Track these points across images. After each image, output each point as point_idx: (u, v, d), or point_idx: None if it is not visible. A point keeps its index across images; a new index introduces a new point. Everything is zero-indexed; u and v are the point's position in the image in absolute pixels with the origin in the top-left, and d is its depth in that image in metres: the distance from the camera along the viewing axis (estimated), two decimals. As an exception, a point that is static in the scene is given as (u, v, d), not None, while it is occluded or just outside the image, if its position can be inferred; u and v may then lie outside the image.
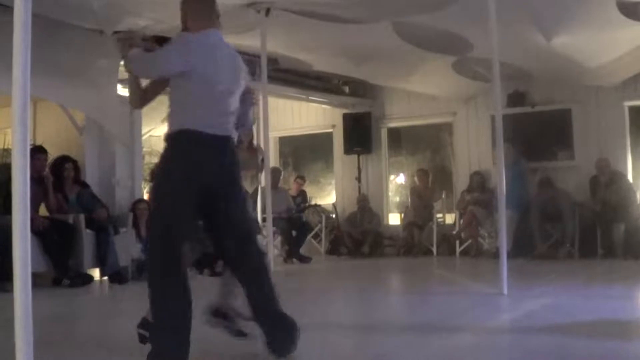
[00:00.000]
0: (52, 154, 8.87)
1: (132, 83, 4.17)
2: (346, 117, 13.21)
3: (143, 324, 4.06)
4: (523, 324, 5.11)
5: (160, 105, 13.88)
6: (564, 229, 10.58)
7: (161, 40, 4.47)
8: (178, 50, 3.91)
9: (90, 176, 9.41)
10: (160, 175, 3.96)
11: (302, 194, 13.00)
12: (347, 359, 4.36)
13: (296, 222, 11.66)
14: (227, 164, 3.93)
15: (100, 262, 8.46)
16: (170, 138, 3.86)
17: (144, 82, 4.23)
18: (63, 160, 8.89)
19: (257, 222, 9.26)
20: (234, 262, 4.04)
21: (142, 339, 4.03)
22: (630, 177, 11.04)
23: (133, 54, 4.01)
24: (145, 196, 10.13)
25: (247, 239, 3.98)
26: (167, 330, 3.65)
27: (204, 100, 3.88)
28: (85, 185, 9.05)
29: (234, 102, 4.04)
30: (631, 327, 4.98)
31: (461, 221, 11.70)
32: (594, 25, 8.17)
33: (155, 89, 4.19)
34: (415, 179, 12.68)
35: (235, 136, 4.12)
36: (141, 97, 4.21)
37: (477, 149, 12.42)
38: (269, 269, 4.10)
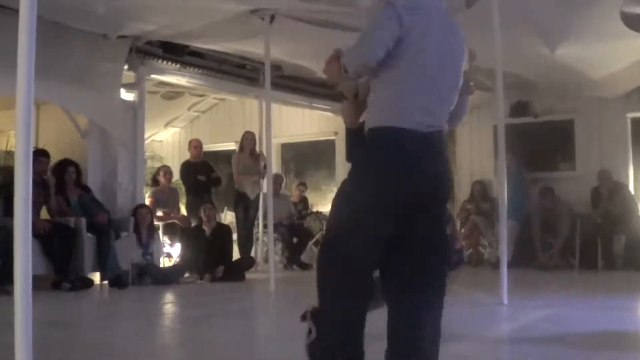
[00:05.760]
0: (55, 157, 8.87)
1: (351, 103, 3.37)
2: (349, 125, 13.14)
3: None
4: (523, 334, 5.10)
5: (165, 109, 13.89)
6: (564, 239, 10.58)
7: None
8: (386, 14, 2.94)
9: (92, 180, 9.40)
10: (356, 184, 3.28)
11: (304, 201, 12.97)
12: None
13: (297, 229, 11.64)
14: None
15: (101, 266, 8.41)
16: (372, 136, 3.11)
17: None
18: (65, 163, 8.88)
19: None
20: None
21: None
22: (631, 189, 11.05)
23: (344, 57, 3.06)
24: (147, 201, 10.13)
25: None
26: None
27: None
28: (86, 189, 9.03)
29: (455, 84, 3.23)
30: (631, 339, 4.97)
31: (462, 230, 11.70)
32: (598, 36, 8.18)
33: (365, 89, 3.24)
34: (417, 187, 12.66)
35: (445, 130, 3.20)
36: (359, 110, 3.37)
37: (479, 159, 12.43)
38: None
